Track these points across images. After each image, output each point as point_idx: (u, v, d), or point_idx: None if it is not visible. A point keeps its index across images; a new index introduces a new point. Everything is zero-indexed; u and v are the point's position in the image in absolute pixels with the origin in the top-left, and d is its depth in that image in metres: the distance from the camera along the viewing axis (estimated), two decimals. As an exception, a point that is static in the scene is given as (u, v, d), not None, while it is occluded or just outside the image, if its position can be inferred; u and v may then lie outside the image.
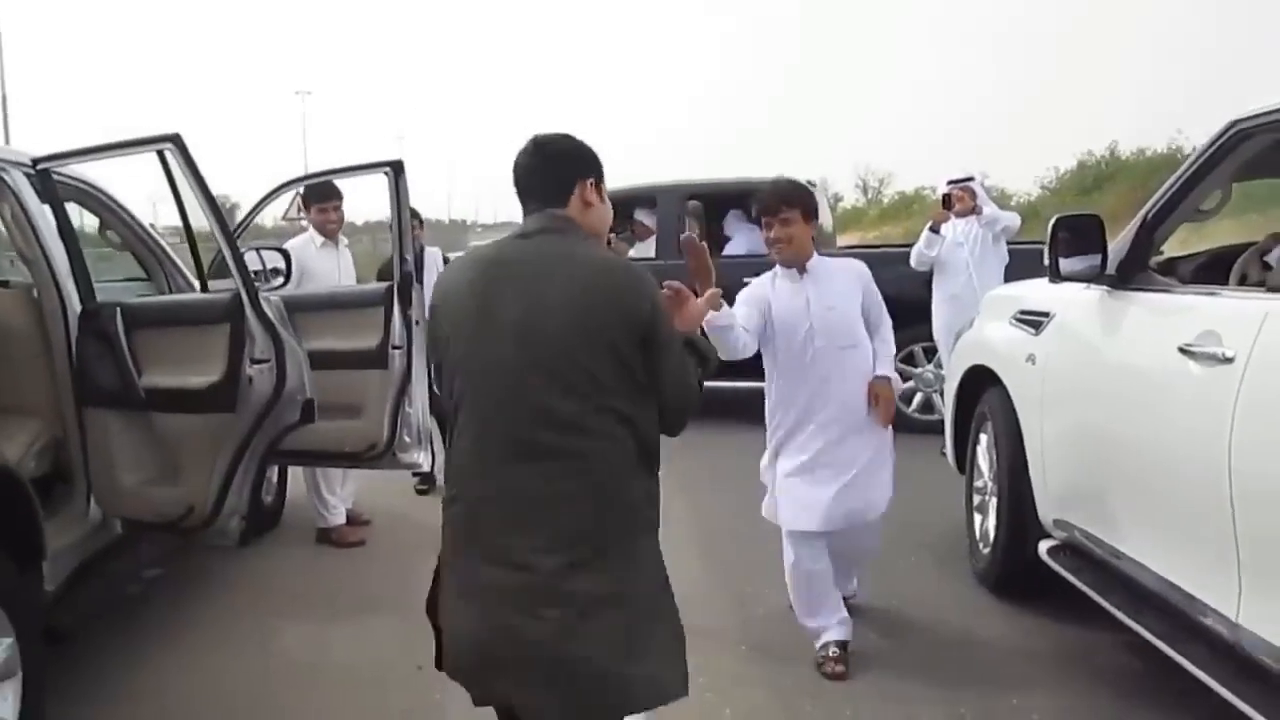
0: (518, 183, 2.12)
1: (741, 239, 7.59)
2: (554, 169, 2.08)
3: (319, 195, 5.02)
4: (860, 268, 3.52)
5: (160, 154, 3.35)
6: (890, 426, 3.48)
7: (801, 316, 3.41)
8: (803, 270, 3.45)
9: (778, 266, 3.50)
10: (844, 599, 3.59)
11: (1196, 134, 22.61)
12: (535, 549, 1.87)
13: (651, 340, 1.93)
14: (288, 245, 5.05)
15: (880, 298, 3.53)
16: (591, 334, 1.88)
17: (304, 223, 6.85)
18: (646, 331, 1.92)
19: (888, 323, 3.54)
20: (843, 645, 3.38)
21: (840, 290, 3.45)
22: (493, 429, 1.92)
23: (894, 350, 3.54)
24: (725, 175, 8.66)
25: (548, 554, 1.87)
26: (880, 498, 3.47)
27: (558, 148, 2.11)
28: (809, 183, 7.92)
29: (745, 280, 7.29)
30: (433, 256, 5.65)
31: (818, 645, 3.40)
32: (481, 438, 1.93)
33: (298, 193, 5.30)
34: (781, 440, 3.50)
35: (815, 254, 3.47)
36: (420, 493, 5.61)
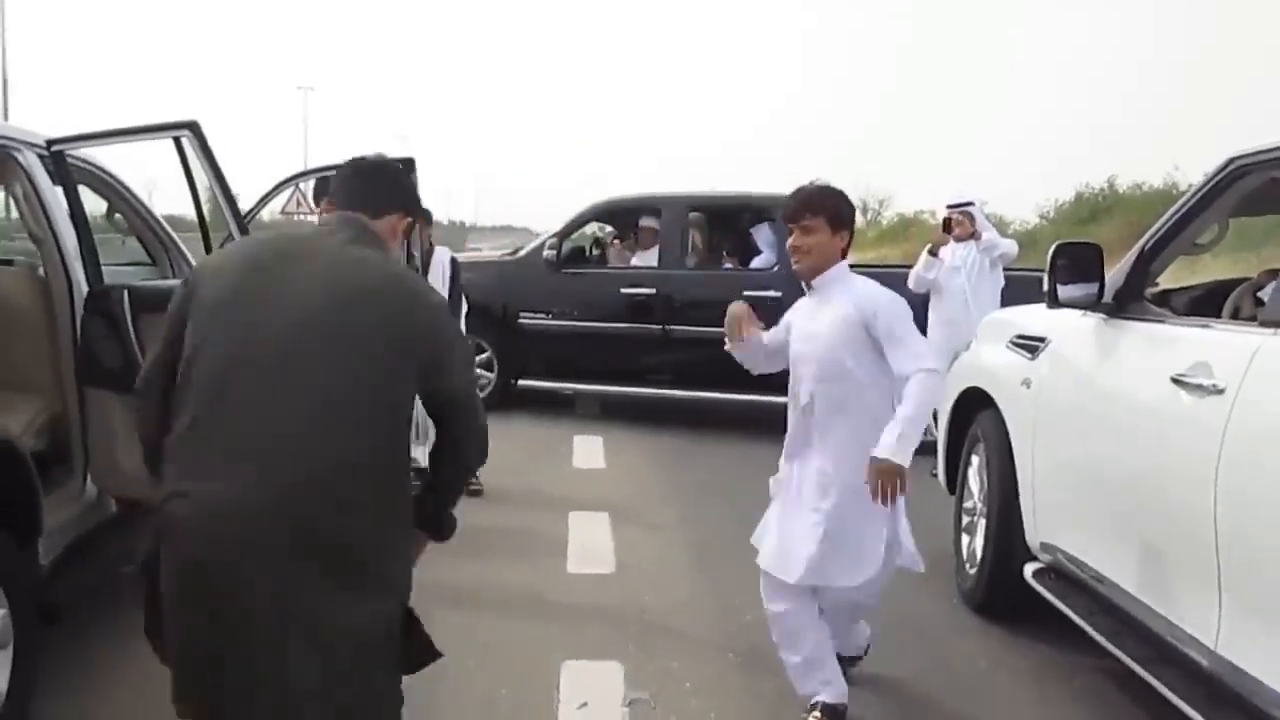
0: (345, 180, 2.22)
1: (770, 252, 7.62)
2: (388, 189, 2.21)
3: (328, 190, 5.05)
4: (864, 293, 2.94)
5: (176, 140, 3.38)
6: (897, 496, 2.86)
7: (798, 339, 3.07)
8: (809, 286, 3.07)
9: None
10: (848, 657, 3.26)
11: (1194, 170, 22.77)
12: None
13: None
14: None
15: (901, 330, 2.88)
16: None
17: (310, 216, 6.82)
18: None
19: (914, 364, 2.82)
20: (832, 711, 2.95)
21: (831, 317, 2.95)
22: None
23: (919, 409, 2.80)
24: (729, 189, 8.75)
25: None
26: (867, 563, 2.96)
27: (396, 175, 2.26)
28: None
29: (744, 293, 7.44)
30: (441, 255, 5.62)
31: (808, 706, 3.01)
32: None
33: (297, 187, 5.35)
34: (782, 467, 3.15)
35: (837, 269, 3.00)
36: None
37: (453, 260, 5.77)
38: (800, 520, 2.97)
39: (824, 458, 2.97)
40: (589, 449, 6.91)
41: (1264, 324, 2.60)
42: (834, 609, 3.11)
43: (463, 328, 5.43)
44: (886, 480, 2.75)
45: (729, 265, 8.03)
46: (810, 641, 2.99)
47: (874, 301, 2.91)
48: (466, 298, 5.95)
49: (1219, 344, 2.72)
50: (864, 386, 2.93)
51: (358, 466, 1.90)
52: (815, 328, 2.99)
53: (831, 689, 2.98)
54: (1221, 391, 2.53)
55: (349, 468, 1.89)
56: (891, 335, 2.86)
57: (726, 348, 3.25)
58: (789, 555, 2.96)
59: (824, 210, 2.97)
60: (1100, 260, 3.35)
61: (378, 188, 2.19)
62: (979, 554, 4.00)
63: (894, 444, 2.75)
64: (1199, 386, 2.63)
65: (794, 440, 3.07)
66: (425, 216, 5.42)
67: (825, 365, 2.95)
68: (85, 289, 3.49)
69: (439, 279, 5.46)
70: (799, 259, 3.01)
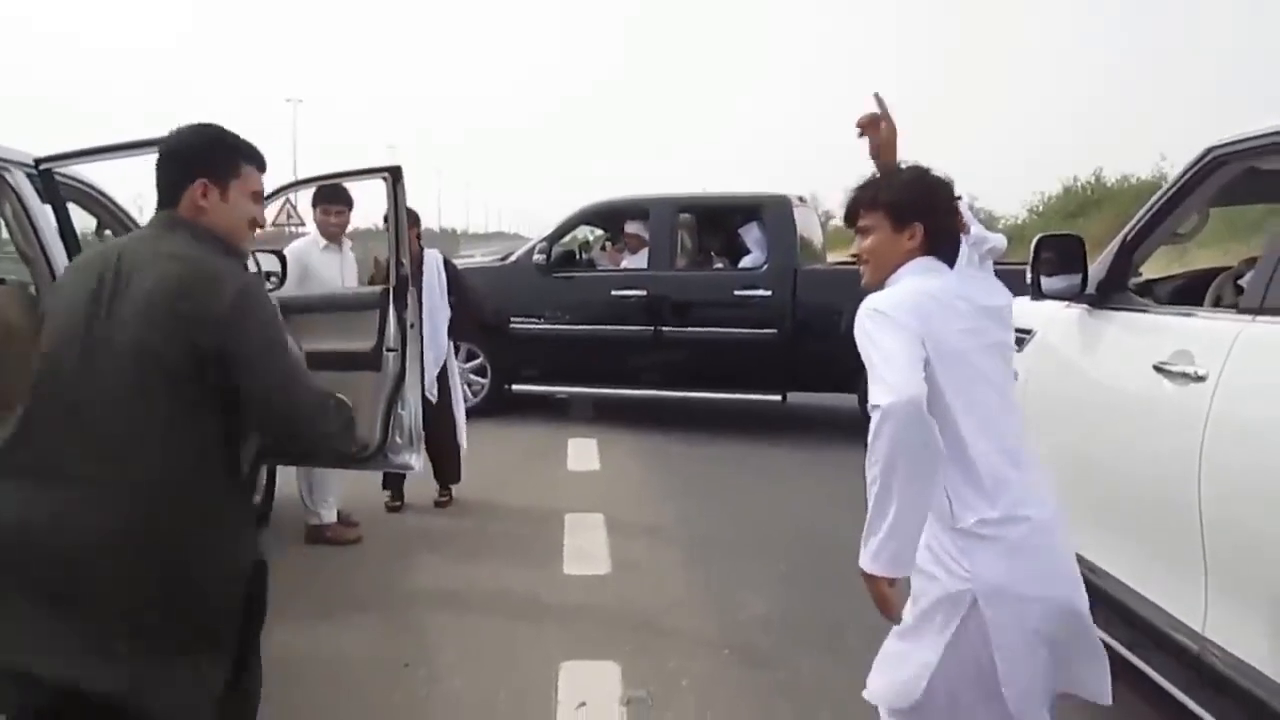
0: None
1: (759, 251, 7.66)
2: (166, 170, 2.15)
3: (325, 198, 5.10)
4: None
5: (164, 155, 3.40)
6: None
7: None
8: None
9: None
10: None
11: (1181, 161, 22.88)
12: None
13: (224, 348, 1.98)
14: (292, 247, 5.13)
15: (864, 351, 2.09)
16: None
17: (300, 229, 6.84)
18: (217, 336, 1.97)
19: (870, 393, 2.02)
20: None
21: None
22: None
23: (872, 474, 1.97)
24: (717, 189, 8.79)
25: None
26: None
27: (175, 146, 2.17)
28: (799, 199, 8.07)
29: (734, 292, 7.49)
30: (433, 258, 5.62)
31: None
32: None
33: (287, 199, 5.40)
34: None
35: (895, 276, 2.25)
36: (391, 509, 5.55)
37: (448, 262, 5.78)
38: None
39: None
40: (583, 451, 6.93)
41: (1243, 311, 2.64)
42: None
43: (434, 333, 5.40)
44: (873, 597, 2.04)
45: (719, 265, 8.07)
46: None
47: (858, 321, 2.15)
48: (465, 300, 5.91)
49: (1200, 332, 2.76)
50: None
51: None
52: None
53: None
54: (1203, 378, 2.56)
55: None
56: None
57: None
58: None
59: (881, 204, 2.28)
60: (1083, 252, 3.38)
61: (160, 176, 2.17)
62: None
63: (867, 554, 2.00)
64: (1181, 374, 2.66)
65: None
66: (412, 219, 5.43)
67: None
68: (76, 306, 3.50)
69: (434, 282, 5.48)
70: (862, 271, 2.35)
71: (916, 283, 2.21)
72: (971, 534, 2.05)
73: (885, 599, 2.02)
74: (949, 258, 2.30)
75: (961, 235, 2.37)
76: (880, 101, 2.47)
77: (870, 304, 2.14)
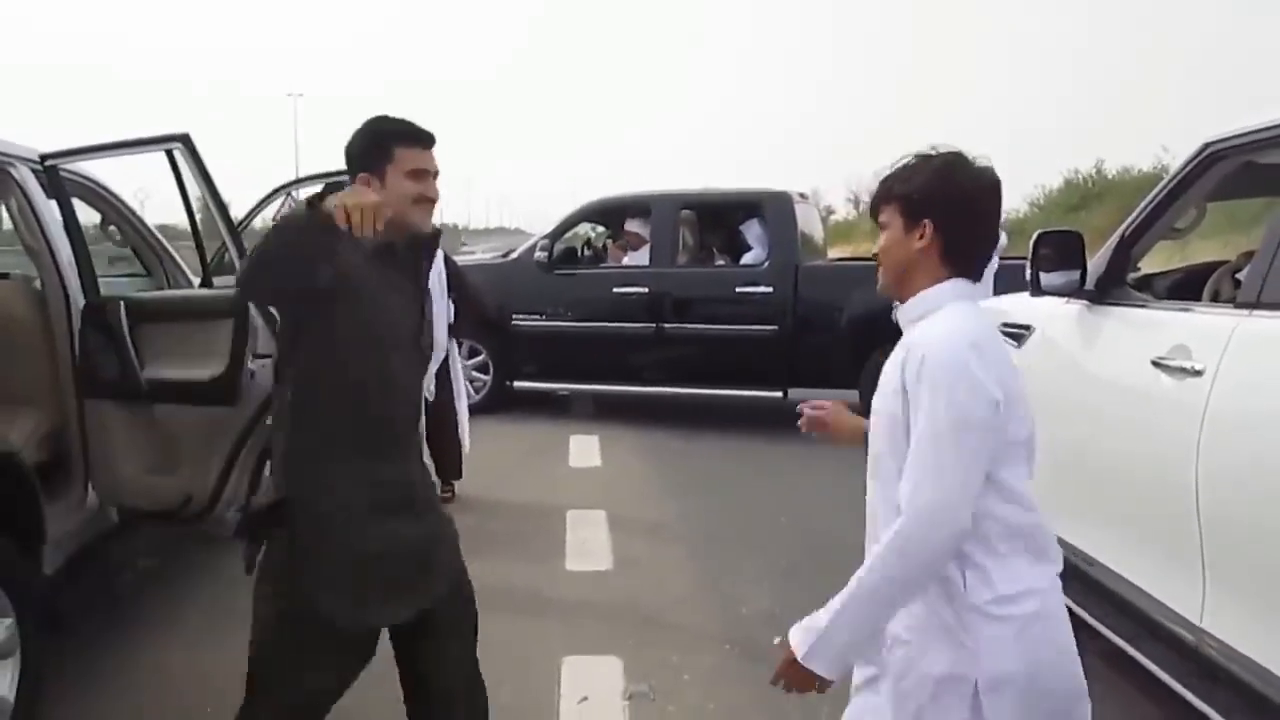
0: None
1: (760, 248, 7.66)
2: (349, 174, 2.22)
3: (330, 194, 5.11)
4: (919, 340, 1.76)
5: (169, 153, 3.43)
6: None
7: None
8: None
9: None
10: None
11: (1183, 153, 22.86)
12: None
13: None
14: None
15: (924, 426, 1.68)
16: None
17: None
18: None
19: (902, 496, 1.69)
20: None
21: (887, 383, 1.82)
22: None
23: (864, 584, 1.74)
24: (720, 186, 8.80)
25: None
26: None
27: (346, 150, 2.23)
28: (799, 195, 8.07)
29: (736, 289, 7.50)
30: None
31: None
32: None
33: (289, 195, 5.46)
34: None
35: (926, 295, 1.85)
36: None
37: (449, 259, 5.76)
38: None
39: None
40: (585, 448, 6.96)
41: (1240, 305, 2.65)
42: None
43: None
44: (788, 681, 1.83)
45: (720, 262, 8.08)
46: None
47: (911, 355, 1.74)
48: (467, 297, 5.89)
49: (1197, 326, 2.77)
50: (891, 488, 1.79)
51: None
52: (881, 391, 1.85)
53: None
54: (1200, 373, 2.58)
55: None
56: (918, 425, 1.70)
57: None
58: None
59: (894, 195, 1.89)
60: (1081, 247, 3.40)
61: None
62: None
63: (805, 627, 1.82)
64: (1179, 369, 2.68)
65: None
66: None
67: (872, 457, 1.88)
68: (82, 301, 3.53)
69: (435, 279, 5.48)
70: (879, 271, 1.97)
71: (978, 324, 1.79)
72: (982, 611, 1.73)
73: (804, 689, 1.82)
74: (972, 272, 1.89)
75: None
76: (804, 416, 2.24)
77: (968, 337, 1.72)
